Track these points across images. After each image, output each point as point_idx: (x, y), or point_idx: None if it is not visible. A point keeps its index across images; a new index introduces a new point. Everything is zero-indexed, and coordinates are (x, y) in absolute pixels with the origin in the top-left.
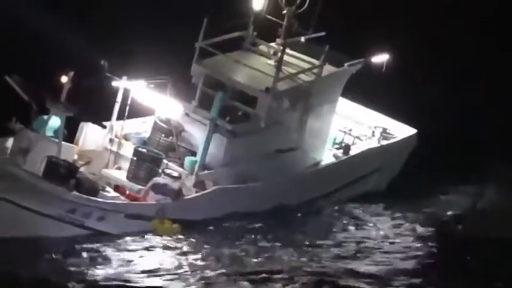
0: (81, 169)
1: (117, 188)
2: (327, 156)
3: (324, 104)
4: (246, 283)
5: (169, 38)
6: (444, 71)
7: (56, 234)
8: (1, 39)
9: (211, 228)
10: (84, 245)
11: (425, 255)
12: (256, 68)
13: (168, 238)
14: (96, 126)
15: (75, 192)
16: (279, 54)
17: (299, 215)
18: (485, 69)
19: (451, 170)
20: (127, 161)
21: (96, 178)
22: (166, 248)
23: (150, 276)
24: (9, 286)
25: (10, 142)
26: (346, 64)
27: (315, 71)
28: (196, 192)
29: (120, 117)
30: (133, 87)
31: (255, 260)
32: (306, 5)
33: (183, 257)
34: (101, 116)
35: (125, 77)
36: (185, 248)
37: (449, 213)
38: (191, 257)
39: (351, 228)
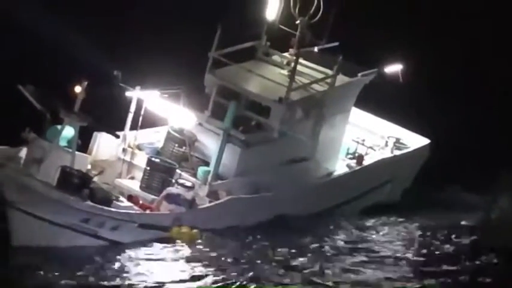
0: (95, 179)
1: (130, 198)
2: (340, 166)
3: (337, 114)
4: None
5: (182, 48)
6: (458, 81)
7: (69, 243)
8: (14, 50)
9: (224, 238)
10: (98, 255)
11: (438, 265)
12: (270, 78)
13: (181, 248)
14: (109, 136)
15: (88, 202)
16: (292, 64)
17: (312, 225)
18: (498, 79)
19: (464, 180)
20: (140, 170)
21: (110, 188)
22: (178, 257)
23: (163, 286)
24: None
25: (24, 152)
26: (359, 74)
27: (328, 81)
28: (210, 202)
29: (134, 127)
30: (147, 97)
31: (268, 269)
32: (319, 15)
33: (196, 267)
34: (114, 126)
35: (138, 87)
36: (198, 258)
37: (462, 223)
38: (204, 267)
39: (364, 238)
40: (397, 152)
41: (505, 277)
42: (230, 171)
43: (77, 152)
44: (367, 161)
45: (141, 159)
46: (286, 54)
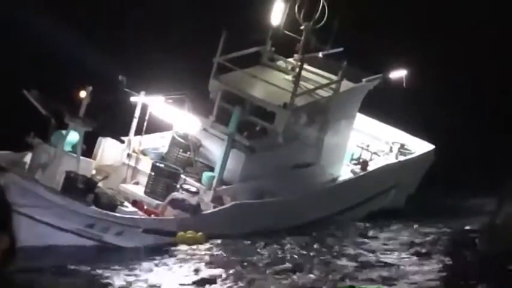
0: (99, 184)
1: (135, 203)
2: (345, 172)
3: (341, 120)
4: None
5: (187, 53)
6: (462, 87)
7: (73, 248)
8: (19, 54)
9: (228, 243)
10: (102, 260)
11: (442, 271)
12: (274, 83)
13: (185, 253)
14: (114, 141)
15: (93, 207)
16: (297, 69)
17: (316, 230)
18: (503, 84)
19: (468, 186)
20: (145, 176)
21: (114, 193)
22: (183, 262)
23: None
24: None
25: (29, 157)
26: (364, 80)
27: (333, 86)
28: (214, 207)
29: (138, 132)
30: (151, 103)
31: (273, 274)
32: (324, 20)
33: (200, 272)
34: (119, 131)
35: (143, 92)
36: (202, 263)
37: (466, 228)
38: (208, 272)
39: (368, 244)
40: (402, 158)
41: (509, 280)
42: (235, 177)
43: (81, 157)
44: (371, 167)
45: (145, 165)
46: (290, 59)
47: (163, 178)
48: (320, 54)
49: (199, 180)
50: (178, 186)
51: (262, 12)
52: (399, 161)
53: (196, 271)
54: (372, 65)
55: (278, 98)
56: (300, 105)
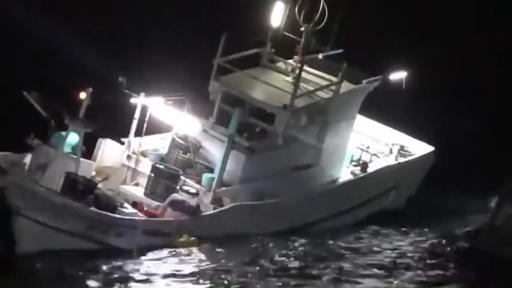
0: (99, 185)
1: (135, 205)
2: (345, 173)
3: (341, 121)
4: None
5: (187, 55)
6: (461, 88)
7: (73, 250)
8: (19, 56)
9: (228, 244)
10: (102, 261)
11: (442, 272)
12: (274, 84)
13: (186, 254)
14: (114, 142)
15: (93, 209)
16: (297, 71)
17: (316, 232)
18: (504, 86)
19: (468, 187)
20: (145, 177)
21: (114, 194)
22: (183, 263)
23: None
24: None
25: (28, 158)
26: (364, 81)
27: (333, 88)
28: (214, 208)
29: (138, 133)
30: (151, 104)
31: (272, 276)
32: (324, 22)
33: (200, 273)
34: (119, 133)
35: (142, 94)
36: (202, 264)
37: (466, 230)
38: (208, 273)
39: (369, 245)
40: (402, 159)
41: (510, 283)
42: (235, 178)
43: (81, 159)
44: (371, 168)
45: (145, 166)
46: (290, 61)
47: (163, 179)
48: (320, 56)
49: (199, 182)
50: (178, 187)
51: (262, 13)
52: (399, 163)
53: (193, 273)
54: (372, 67)
55: (278, 100)
56: (300, 106)
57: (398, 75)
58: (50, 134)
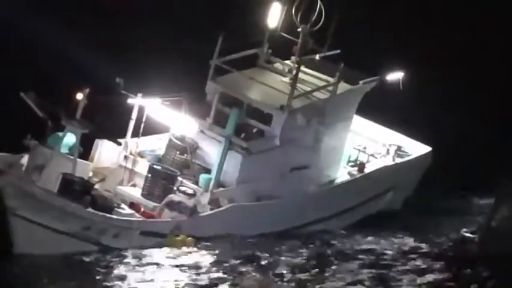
0: (96, 186)
1: (132, 205)
2: (342, 174)
3: (338, 122)
4: None
5: (184, 55)
6: (459, 88)
7: (71, 250)
8: (16, 57)
9: (225, 245)
10: (99, 262)
11: (439, 273)
12: (271, 85)
13: (183, 256)
14: (111, 143)
15: (90, 209)
16: (294, 71)
17: (313, 232)
18: (500, 86)
19: (465, 188)
20: (142, 178)
21: (111, 195)
22: (180, 265)
23: None
24: None
25: (25, 159)
26: (361, 82)
27: (330, 88)
28: (211, 209)
29: (135, 134)
30: (149, 105)
31: (268, 276)
32: (321, 22)
33: (197, 274)
34: (116, 133)
35: (140, 94)
36: (199, 266)
37: (463, 231)
38: (205, 274)
39: (365, 246)
40: (399, 160)
41: (508, 284)
42: (232, 179)
43: (78, 159)
44: (368, 169)
45: (142, 167)
46: (287, 61)
47: (160, 180)
48: (317, 57)
49: (196, 183)
50: (175, 188)
51: (260, 14)
52: (396, 163)
53: (190, 274)
54: (369, 67)
55: (275, 100)
56: (297, 107)
57: (395, 76)
58: (46, 134)
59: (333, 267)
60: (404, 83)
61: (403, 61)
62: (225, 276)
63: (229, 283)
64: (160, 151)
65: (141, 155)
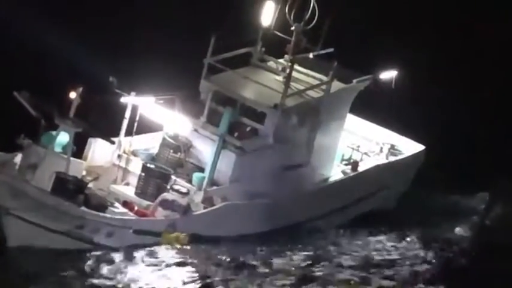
0: (90, 185)
1: (125, 204)
2: (335, 172)
3: (332, 120)
4: None
5: (177, 54)
6: (452, 87)
7: (63, 250)
8: (10, 55)
9: (219, 244)
10: (93, 261)
11: (434, 272)
12: (265, 84)
13: (177, 254)
14: (104, 142)
15: (83, 208)
16: (287, 70)
17: (306, 231)
18: (495, 84)
19: (459, 186)
20: (135, 176)
21: (105, 194)
22: (174, 263)
23: None
24: None
25: (19, 158)
26: (354, 80)
27: (324, 87)
28: (205, 208)
29: (129, 133)
30: (142, 103)
31: (261, 274)
32: (315, 21)
33: (191, 273)
34: (109, 132)
35: (133, 93)
36: (194, 264)
37: (457, 229)
38: (199, 273)
39: (359, 245)
40: (392, 158)
41: (499, 280)
42: (225, 178)
43: (72, 158)
44: (362, 168)
45: (136, 165)
46: (281, 60)
47: (154, 179)
48: (311, 55)
49: (189, 181)
50: (168, 187)
51: (253, 12)
52: (390, 162)
53: (183, 273)
54: (363, 66)
55: (269, 99)
56: (291, 105)
57: (389, 75)
58: (40, 133)
59: (326, 265)
60: (398, 81)
61: (396, 60)
62: (217, 275)
63: (221, 282)
64: (154, 150)
65: (134, 153)
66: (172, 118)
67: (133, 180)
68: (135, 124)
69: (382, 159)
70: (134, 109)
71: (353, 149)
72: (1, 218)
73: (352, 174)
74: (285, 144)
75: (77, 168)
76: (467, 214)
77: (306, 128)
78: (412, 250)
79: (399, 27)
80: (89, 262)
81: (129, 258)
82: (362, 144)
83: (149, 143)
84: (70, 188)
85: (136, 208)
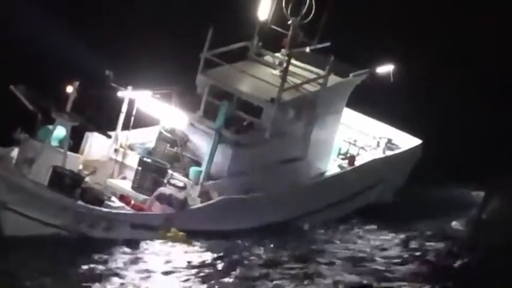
0: (87, 179)
1: (122, 198)
2: (332, 166)
3: (329, 114)
4: None
5: (174, 48)
6: (449, 81)
7: (61, 244)
8: (7, 50)
9: (215, 238)
10: (90, 255)
11: (431, 266)
12: (262, 78)
13: (173, 248)
14: (101, 136)
15: (80, 202)
16: (284, 64)
17: (303, 225)
18: (493, 80)
19: (456, 181)
20: (132, 171)
21: (101, 188)
22: (171, 257)
23: (155, 285)
24: None
25: (15, 152)
26: (351, 74)
27: (320, 81)
28: (201, 202)
29: (125, 127)
30: (139, 98)
31: (259, 269)
32: (311, 15)
33: (188, 267)
34: (106, 126)
35: (130, 87)
36: (190, 258)
37: (454, 223)
38: (196, 267)
39: (356, 239)
40: (389, 153)
41: (496, 275)
42: (222, 172)
43: (68, 152)
44: (359, 162)
45: (132, 160)
46: (278, 54)
47: (151, 173)
48: (307, 49)
49: (186, 175)
50: (165, 181)
51: (250, 7)
52: (386, 156)
53: (180, 267)
54: (360, 60)
55: (265, 93)
56: (287, 100)
57: (386, 68)
58: (37, 127)
59: (323, 259)
60: (395, 75)
61: (393, 54)
62: (212, 272)
63: (216, 279)
64: (151, 144)
65: (131, 147)
66: (169, 112)
67: (130, 175)
68: (132, 118)
69: (378, 154)
70: (131, 103)
71: (350, 143)
72: None
73: (348, 168)
74: (281, 138)
75: (74, 162)
76: (463, 208)
77: (303, 122)
78: (407, 244)
79: (396, 21)
80: (84, 256)
81: (125, 253)
82: (359, 139)
83: (146, 137)
84: (67, 182)
85: (133, 202)
